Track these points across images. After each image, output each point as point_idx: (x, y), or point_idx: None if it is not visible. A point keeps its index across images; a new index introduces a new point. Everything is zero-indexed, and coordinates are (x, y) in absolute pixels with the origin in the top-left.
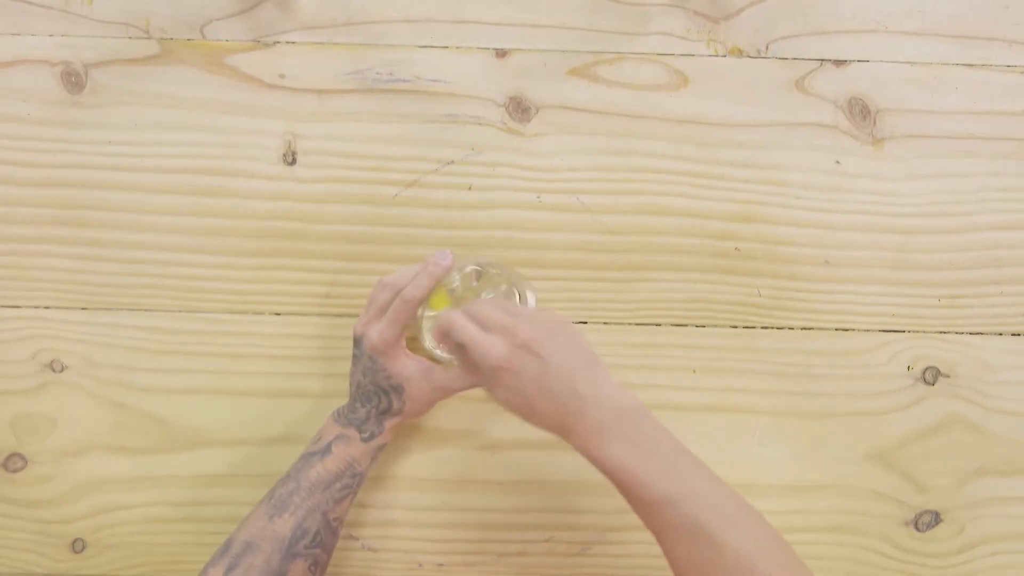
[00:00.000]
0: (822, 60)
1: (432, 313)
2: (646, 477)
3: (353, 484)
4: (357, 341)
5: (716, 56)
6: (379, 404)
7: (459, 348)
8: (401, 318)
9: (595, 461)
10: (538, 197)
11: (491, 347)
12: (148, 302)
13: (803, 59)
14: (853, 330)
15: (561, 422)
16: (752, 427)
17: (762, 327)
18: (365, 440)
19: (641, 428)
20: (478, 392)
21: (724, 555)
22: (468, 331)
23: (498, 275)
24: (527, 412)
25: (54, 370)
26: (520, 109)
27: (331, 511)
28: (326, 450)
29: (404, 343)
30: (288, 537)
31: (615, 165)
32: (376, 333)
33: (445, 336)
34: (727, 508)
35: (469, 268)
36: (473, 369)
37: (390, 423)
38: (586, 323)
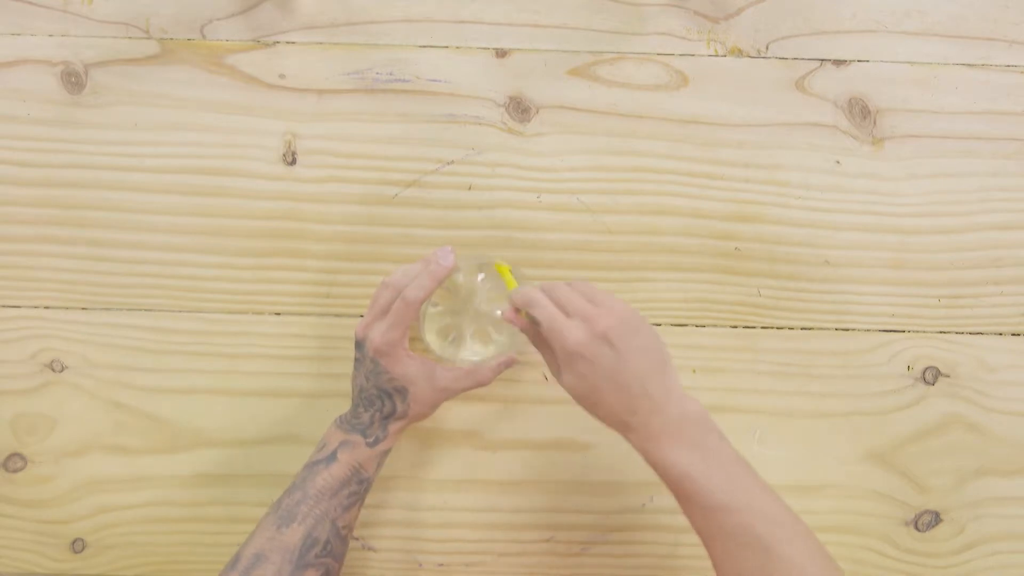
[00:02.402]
0: (822, 60)
1: (435, 311)
2: (707, 484)
3: (360, 491)
4: (359, 344)
5: (716, 56)
6: (383, 408)
7: (531, 324)
8: (403, 319)
9: (655, 463)
10: (538, 197)
11: (572, 331)
12: (148, 302)
13: (803, 59)
14: (853, 330)
15: (626, 419)
16: (752, 427)
17: (762, 327)
18: (370, 445)
19: (705, 436)
20: (479, 392)
21: (777, 567)
22: (549, 310)
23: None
24: (592, 402)
25: (54, 370)
26: (520, 109)
27: (340, 519)
28: (331, 457)
29: (407, 344)
30: (298, 547)
31: (615, 165)
32: (378, 335)
33: (520, 308)
34: (783, 522)
35: (471, 267)
36: (542, 347)
37: (394, 427)
38: None
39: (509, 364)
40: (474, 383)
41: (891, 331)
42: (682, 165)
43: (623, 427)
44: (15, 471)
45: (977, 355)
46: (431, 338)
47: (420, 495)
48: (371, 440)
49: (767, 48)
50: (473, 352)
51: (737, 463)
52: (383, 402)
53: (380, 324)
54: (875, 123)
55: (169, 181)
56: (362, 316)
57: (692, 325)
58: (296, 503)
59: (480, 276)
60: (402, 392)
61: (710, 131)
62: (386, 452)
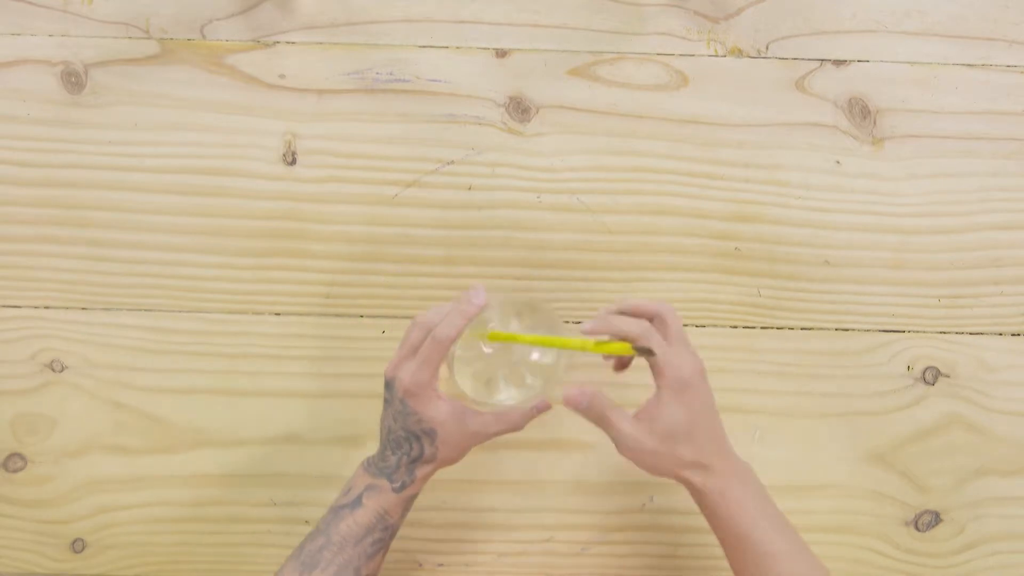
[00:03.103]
0: (822, 60)
1: (463, 353)
2: (766, 530)
3: (385, 538)
4: (388, 384)
5: (716, 56)
6: (410, 451)
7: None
8: (433, 358)
9: (728, 503)
10: (538, 197)
11: (686, 362)
12: (148, 302)
13: (803, 59)
14: (853, 330)
15: (706, 457)
16: (752, 427)
17: (762, 327)
18: (396, 491)
19: (757, 483)
20: None
21: None
22: (661, 342)
23: (533, 313)
24: (685, 437)
25: (54, 370)
26: (520, 109)
27: (364, 567)
28: (356, 502)
29: (437, 385)
30: None
31: (615, 165)
32: (408, 374)
33: (629, 340)
34: (819, 569)
35: (506, 309)
36: (606, 416)
37: (422, 471)
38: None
39: (543, 409)
40: (506, 427)
41: (891, 331)
42: (682, 165)
43: (700, 467)
44: (15, 471)
45: (977, 355)
46: (463, 380)
47: (420, 495)
48: (397, 485)
49: (767, 48)
50: (507, 396)
51: (777, 509)
52: (411, 444)
53: (409, 364)
54: (875, 123)
55: (169, 181)
56: (362, 316)
57: (692, 325)
58: (319, 549)
59: (515, 318)
60: (431, 434)
61: (710, 131)
62: (412, 498)
